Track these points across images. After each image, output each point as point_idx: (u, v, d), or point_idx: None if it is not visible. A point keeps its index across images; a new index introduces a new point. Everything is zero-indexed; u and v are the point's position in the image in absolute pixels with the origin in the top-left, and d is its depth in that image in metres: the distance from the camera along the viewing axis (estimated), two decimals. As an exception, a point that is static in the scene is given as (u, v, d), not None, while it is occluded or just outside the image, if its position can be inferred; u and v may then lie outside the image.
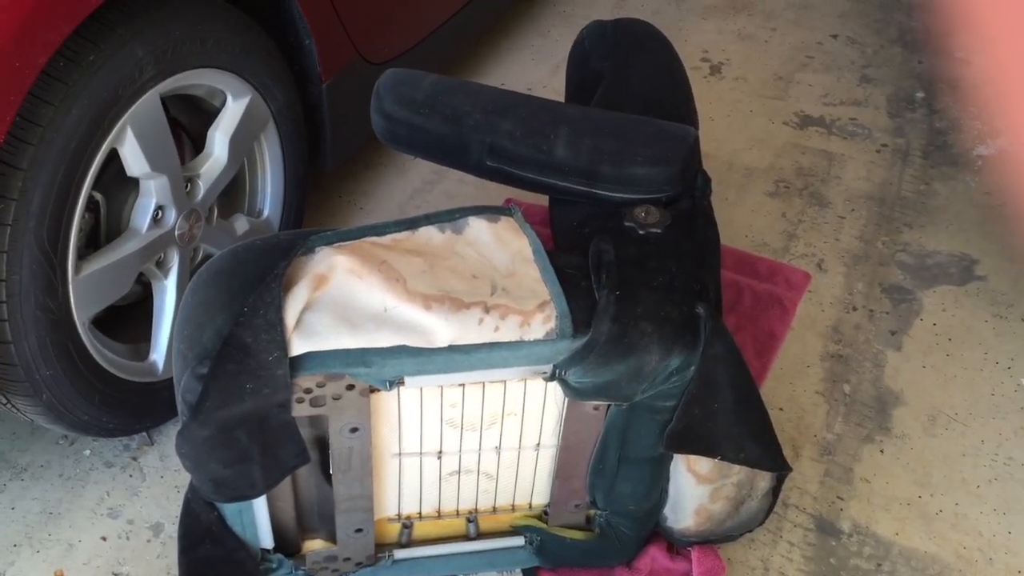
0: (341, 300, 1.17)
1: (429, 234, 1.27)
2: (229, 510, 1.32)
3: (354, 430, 1.26)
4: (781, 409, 1.81)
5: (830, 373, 1.90)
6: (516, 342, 1.19)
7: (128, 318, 1.69)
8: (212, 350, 1.14)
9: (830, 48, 2.97)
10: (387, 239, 1.25)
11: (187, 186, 1.60)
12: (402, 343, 1.17)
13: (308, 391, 1.19)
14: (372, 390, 1.23)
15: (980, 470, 1.71)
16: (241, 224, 1.76)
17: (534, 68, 2.82)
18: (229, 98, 1.64)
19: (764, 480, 1.48)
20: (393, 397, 1.27)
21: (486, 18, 2.60)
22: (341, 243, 1.23)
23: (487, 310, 1.18)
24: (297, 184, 1.87)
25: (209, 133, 1.64)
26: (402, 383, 1.22)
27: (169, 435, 1.74)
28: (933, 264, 2.16)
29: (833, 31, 3.06)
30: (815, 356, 1.93)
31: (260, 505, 1.33)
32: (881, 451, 1.75)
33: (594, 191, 1.35)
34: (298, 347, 1.14)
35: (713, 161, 2.45)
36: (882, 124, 2.61)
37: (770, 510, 1.51)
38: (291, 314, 1.14)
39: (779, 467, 1.40)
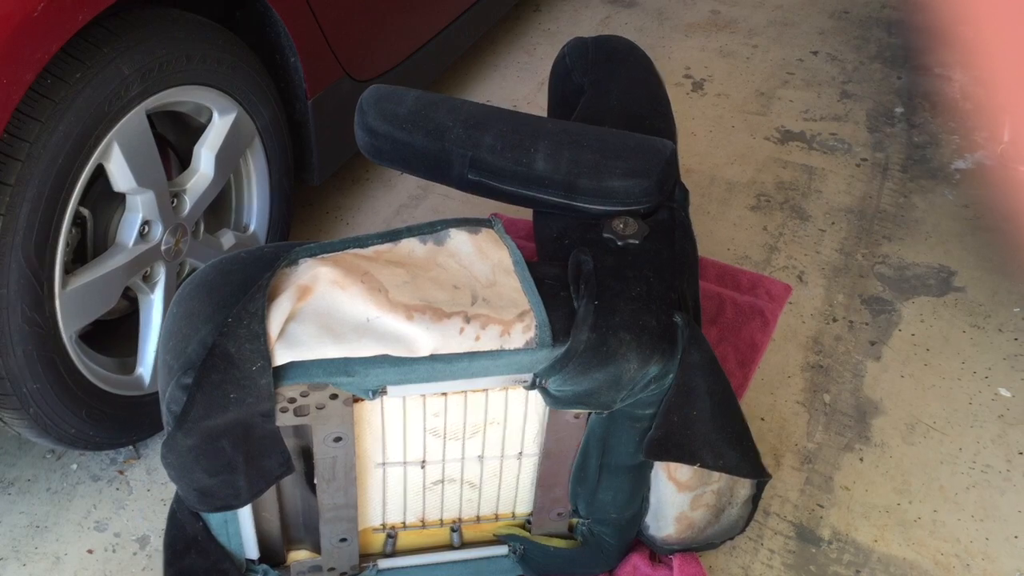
0: (324, 310, 1.19)
1: (411, 246, 1.29)
2: (214, 520, 1.33)
3: (338, 439, 1.27)
4: (763, 419, 1.83)
5: (810, 383, 1.92)
6: (496, 351, 1.21)
7: (113, 332, 1.71)
8: (197, 360, 1.15)
9: (811, 65, 3.01)
10: (369, 251, 1.27)
11: (174, 201, 1.62)
12: (384, 352, 1.19)
13: (292, 400, 1.21)
14: (355, 400, 1.25)
15: (958, 478, 1.74)
16: (227, 239, 1.78)
17: (520, 85, 2.85)
18: (215, 114, 1.67)
19: (744, 488, 1.50)
20: (376, 407, 1.29)
21: (471, 36, 2.64)
22: (324, 255, 1.25)
23: (468, 320, 1.20)
24: (283, 199, 1.89)
25: (195, 149, 1.66)
26: (385, 392, 1.24)
27: (155, 448, 1.75)
28: (912, 276, 2.19)
29: (814, 48, 3.10)
30: (796, 367, 1.96)
31: (245, 515, 1.34)
32: (861, 459, 1.77)
33: (573, 203, 1.37)
34: (282, 357, 1.16)
35: (695, 175, 2.48)
36: (862, 139, 2.65)
37: (750, 518, 1.53)
38: (275, 324, 1.16)
39: (758, 474, 1.42)
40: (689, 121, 2.70)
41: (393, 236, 1.30)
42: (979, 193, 2.44)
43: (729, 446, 1.38)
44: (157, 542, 1.60)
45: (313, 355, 1.17)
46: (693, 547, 1.54)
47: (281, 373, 1.18)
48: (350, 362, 1.19)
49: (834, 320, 2.07)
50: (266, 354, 1.15)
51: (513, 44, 3.08)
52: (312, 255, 1.25)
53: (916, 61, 2.99)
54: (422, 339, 1.19)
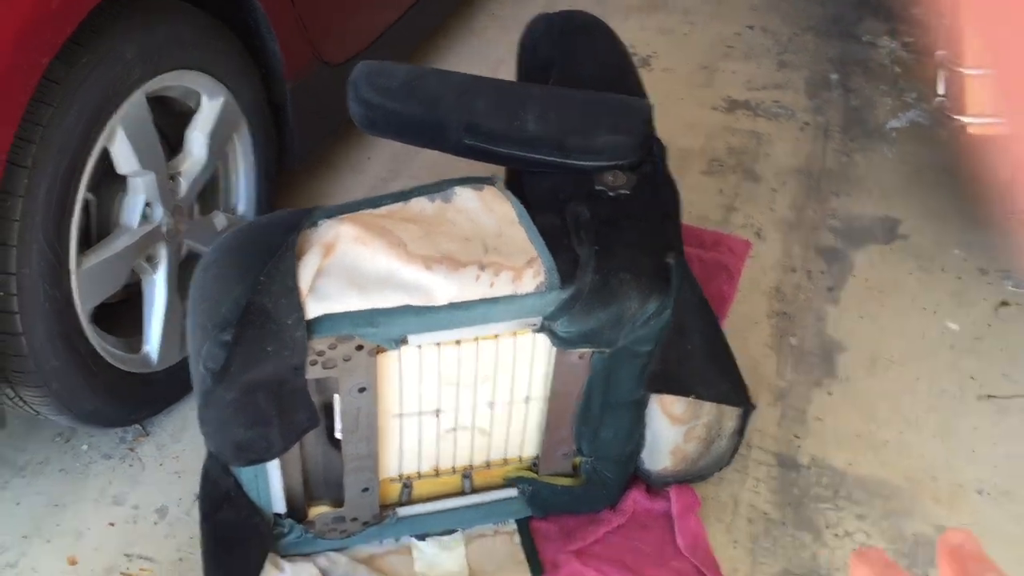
0: (349, 265, 1.27)
1: (421, 204, 1.38)
2: (245, 476, 1.40)
3: (362, 390, 1.36)
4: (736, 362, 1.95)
5: (777, 328, 2.06)
6: (510, 296, 1.31)
7: (113, 315, 1.75)
8: (233, 318, 1.22)
9: (747, 38, 3.16)
10: (383, 210, 1.36)
11: (170, 184, 1.68)
12: (407, 302, 1.27)
13: (320, 353, 1.29)
14: (379, 350, 1.33)
15: (918, 403, 1.89)
16: (220, 220, 1.83)
17: (474, 67, 2.94)
18: (204, 98, 1.73)
19: (731, 420, 1.62)
20: (395, 359, 1.37)
21: (430, 20, 2.72)
22: (342, 215, 1.33)
23: (482, 268, 1.30)
24: (269, 181, 1.96)
25: (187, 132, 1.72)
26: (406, 342, 1.32)
27: (162, 426, 1.80)
28: (860, 227, 2.34)
29: (748, 22, 3.26)
30: (762, 314, 2.09)
31: (274, 470, 1.42)
32: (829, 393, 1.91)
33: (565, 161, 1.47)
34: (313, 310, 1.24)
35: (651, 145, 2.60)
36: (803, 104, 2.81)
37: (736, 449, 1.65)
38: (305, 280, 1.24)
39: (746, 403, 1.54)
40: (640, 95, 2.82)
41: (403, 196, 1.38)
42: (914, 149, 2.61)
43: (720, 378, 1.50)
44: (176, 511, 1.65)
45: (342, 307, 1.25)
46: (686, 479, 1.65)
47: (312, 327, 1.25)
48: (375, 313, 1.27)
49: (793, 271, 2.21)
50: (300, 307, 1.22)
51: (463, 29, 3.16)
52: (330, 216, 1.32)
53: (845, 31, 3.17)
54: (441, 287, 1.28)
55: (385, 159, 2.54)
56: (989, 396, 1.89)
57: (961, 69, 1.93)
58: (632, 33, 3.16)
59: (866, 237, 2.31)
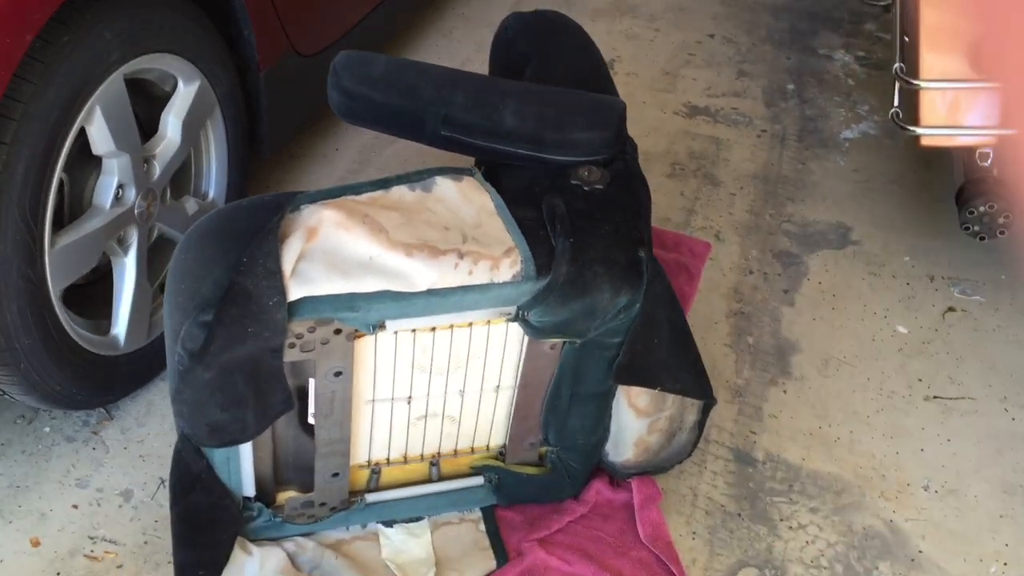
0: (331, 250, 1.29)
1: (401, 192, 1.40)
2: (217, 458, 1.41)
3: (338, 374, 1.37)
4: (696, 360, 2.01)
5: (735, 328, 2.12)
6: (487, 284, 1.34)
7: (81, 296, 1.74)
8: (213, 299, 1.23)
9: (708, 46, 3.23)
10: (364, 197, 1.38)
11: (144, 167, 1.67)
12: (387, 288, 1.30)
13: (299, 336, 1.30)
14: (356, 336, 1.35)
15: (868, 403, 1.96)
16: (191, 205, 1.83)
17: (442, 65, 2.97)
18: (180, 83, 1.73)
19: (692, 414, 1.67)
20: (370, 345, 1.39)
21: (402, 14, 2.74)
22: (324, 200, 1.35)
23: (461, 256, 1.32)
24: (240, 168, 1.96)
25: (162, 116, 1.72)
26: (383, 327, 1.34)
27: (127, 410, 1.79)
28: (814, 232, 2.42)
29: (709, 31, 3.33)
30: (721, 314, 2.15)
31: (246, 454, 1.43)
32: (784, 391, 1.97)
33: (541, 155, 1.51)
34: (295, 292, 1.25)
35: (615, 147, 2.65)
36: (760, 112, 2.88)
37: (697, 442, 1.70)
38: (288, 263, 1.26)
39: (709, 396, 1.59)
40: (604, 98, 2.87)
41: (383, 184, 1.41)
42: (866, 159, 2.70)
43: (685, 371, 1.55)
44: (141, 495, 1.65)
45: (323, 291, 1.27)
46: (648, 470, 1.70)
47: (292, 309, 1.27)
48: (355, 297, 1.29)
49: (750, 272, 2.27)
50: (282, 289, 1.24)
51: (431, 28, 3.18)
52: (313, 201, 1.34)
53: (802, 43, 3.25)
54: (421, 274, 1.30)
55: (353, 150, 2.55)
56: (936, 397, 1.97)
57: (915, 82, 2.01)
58: (598, 37, 3.19)
59: (820, 242, 2.39)
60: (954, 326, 2.14)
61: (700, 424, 1.68)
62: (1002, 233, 2.05)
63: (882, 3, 3.00)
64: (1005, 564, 1.65)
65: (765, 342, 2.09)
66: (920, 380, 2.01)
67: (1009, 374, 2.02)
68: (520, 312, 1.39)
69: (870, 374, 2.02)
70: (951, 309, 2.19)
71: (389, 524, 1.61)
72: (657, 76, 3.04)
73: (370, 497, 1.58)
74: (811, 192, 2.56)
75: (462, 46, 3.08)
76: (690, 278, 2.21)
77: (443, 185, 1.42)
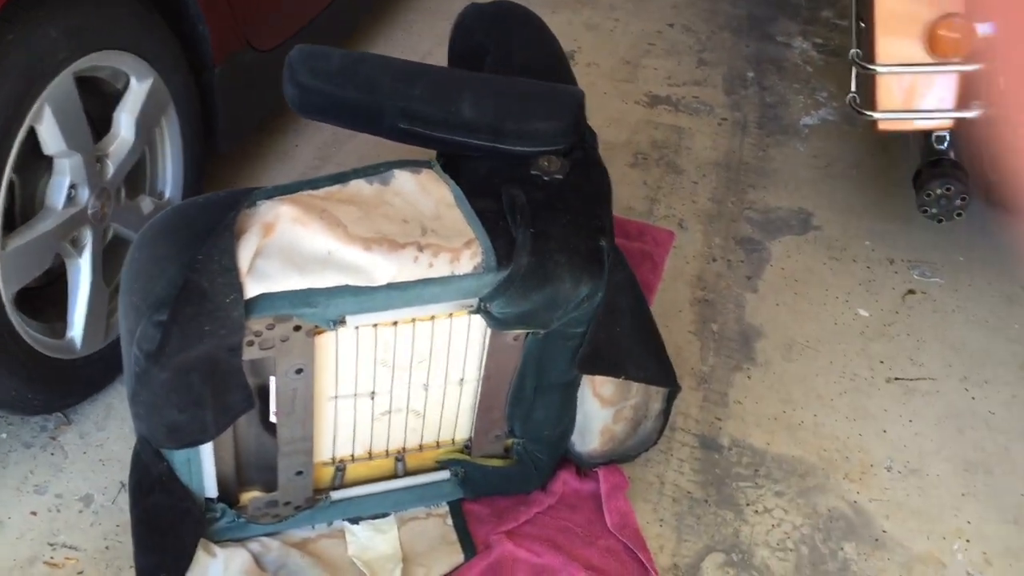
0: (288, 246, 1.27)
1: (359, 186, 1.39)
2: (178, 460, 1.39)
3: (299, 371, 1.36)
4: (661, 348, 2.01)
5: (699, 315, 2.12)
6: (448, 277, 1.33)
7: (35, 299, 1.71)
8: (168, 298, 1.21)
9: (668, 36, 3.24)
10: (322, 192, 1.36)
11: (97, 166, 1.64)
12: (346, 283, 1.28)
13: (258, 334, 1.29)
14: (317, 332, 1.34)
15: (831, 386, 1.97)
16: (146, 204, 1.80)
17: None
18: (133, 80, 1.70)
19: (657, 402, 1.67)
20: (331, 341, 1.38)
21: (360, 8, 2.72)
22: (281, 196, 1.33)
23: (421, 249, 1.31)
24: (196, 166, 1.93)
25: (115, 114, 1.69)
26: (343, 322, 1.33)
27: (86, 414, 1.76)
28: (776, 218, 2.43)
29: (669, 21, 3.34)
30: (685, 302, 2.16)
31: (207, 455, 1.41)
32: (749, 377, 1.98)
33: (500, 146, 1.50)
34: (252, 289, 1.24)
35: (576, 138, 2.65)
36: (721, 101, 2.89)
37: (662, 430, 1.70)
38: (244, 259, 1.24)
39: (673, 383, 1.59)
40: (565, 89, 2.87)
41: (341, 178, 1.39)
42: (825, 145, 2.72)
43: (648, 359, 1.55)
44: (102, 499, 1.62)
45: (280, 287, 1.25)
46: (614, 459, 1.70)
47: (250, 306, 1.25)
48: (314, 293, 1.28)
49: (714, 260, 2.28)
50: (238, 287, 1.22)
51: (389, 23, 3.16)
52: (269, 197, 1.32)
53: (761, 31, 3.27)
54: (380, 268, 1.29)
55: (313, 147, 2.53)
56: (897, 379, 1.99)
57: (872, 67, 2.02)
58: (559, 28, 3.20)
59: (782, 228, 2.40)
60: (914, 308, 2.17)
61: (665, 412, 1.68)
62: (959, 215, 2.08)
63: (839, -10, 3.03)
64: (968, 541, 1.67)
65: (729, 328, 2.10)
66: (882, 362, 2.03)
67: (968, 354, 2.05)
68: (482, 304, 1.39)
69: (832, 357, 2.04)
70: (911, 291, 2.21)
71: (355, 521, 1.60)
72: (618, 66, 3.04)
73: (335, 495, 1.57)
74: (772, 179, 2.58)
75: (423, 40, 3.06)
76: (654, 267, 2.21)
77: (401, 178, 1.41)
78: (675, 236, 2.33)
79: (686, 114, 2.82)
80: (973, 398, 1.95)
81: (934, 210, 2.08)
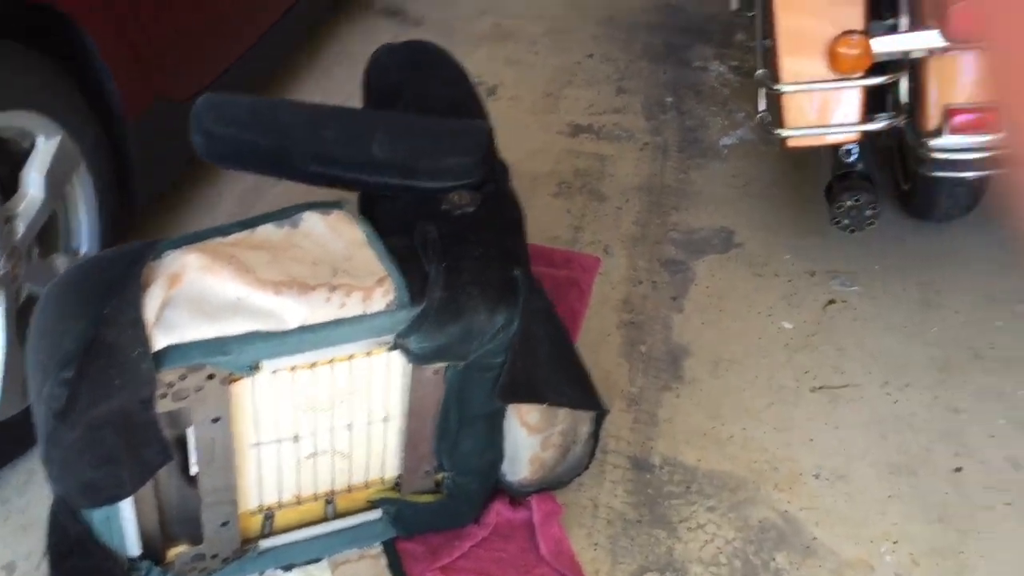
0: (196, 295, 1.27)
1: (268, 231, 1.39)
2: (97, 519, 1.37)
3: (216, 420, 1.35)
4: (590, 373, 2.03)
5: (627, 338, 2.15)
6: (361, 316, 1.34)
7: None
8: (74, 354, 1.20)
9: (588, 66, 3.30)
10: (230, 239, 1.36)
11: (6, 226, 1.63)
12: (256, 328, 1.28)
13: (171, 385, 1.28)
14: (232, 379, 1.33)
15: (758, 399, 2.01)
16: (61, 262, 1.79)
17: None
18: (40, 138, 1.69)
19: (585, 425, 1.68)
20: (248, 387, 1.38)
21: (278, 52, 2.74)
22: (188, 245, 1.33)
23: (332, 289, 1.32)
24: (112, 221, 1.92)
25: (23, 173, 1.68)
26: (259, 368, 1.33)
27: (6, 479, 1.73)
28: (699, 238, 2.48)
29: (588, 52, 3.40)
30: (613, 326, 2.18)
31: (128, 512, 1.39)
32: (677, 396, 2.01)
33: (412, 183, 1.52)
34: (160, 341, 1.23)
35: (500, 171, 2.68)
36: (641, 127, 2.95)
37: (593, 454, 1.72)
38: (150, 311, 1.23)
39: (597, 406, 1.61)
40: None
41: (250, 224, 1.40)
42: (744, 164, 2.78)
43: (569, 384, 1.57)
44: (25, 566, 1.59)
45: (190, 337, 1.25)
46: (546, 486, 1.71)
47: (160, 358, 1.25)
48: (225, 340, 1.27)
49: (640, 283, 2.32)
50: (145, 340, 1.22)
51: (310, 68, 3.18)
52: (176, 247, 1.32)
53: (677, 57, 3.35)
54: (292, 311, 1.29)
55: (236, 196, 2.52)
56: (821, 388, 2.03)
57: (776, 87, 2.08)
58: (481, 63, 3.26)
59: (705, 248, 2.45)
60: (835, 317, 2.22)
61: (594, 435, 1.70)
62: (870, 224, 2.14)
63: (750, 14, 3.11)
64: (895, 543, 1.71)
65: (657, 349, 2.13)
66: (806, 372, 2.07)
67: (888, 359, 2.10)
68: (398, 340, 1.39)
69: (758, 371, 2.08)
70: (832, 301, 2.26)
71: (288, 568, 1.58)
72: (539, 99, 3.09)
73: (264, 543, 1.55)
74: (694, 200, 2.63)
75: (344, 85, 3.08)
76: (581, 294, 2.24)
77: (310, 220, 1.42)
78: (601, 262, 2.36)
79: (608, 142, 2.87)
80: (896, 402, 2.00)
81: (846, 221, 2.14)
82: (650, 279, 2.33)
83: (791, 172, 2.73)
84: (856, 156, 2.19)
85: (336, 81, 3.12)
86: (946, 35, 1.90)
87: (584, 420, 1.67)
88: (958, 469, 1.84)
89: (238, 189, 2.53)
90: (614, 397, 1.98)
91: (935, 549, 1.69)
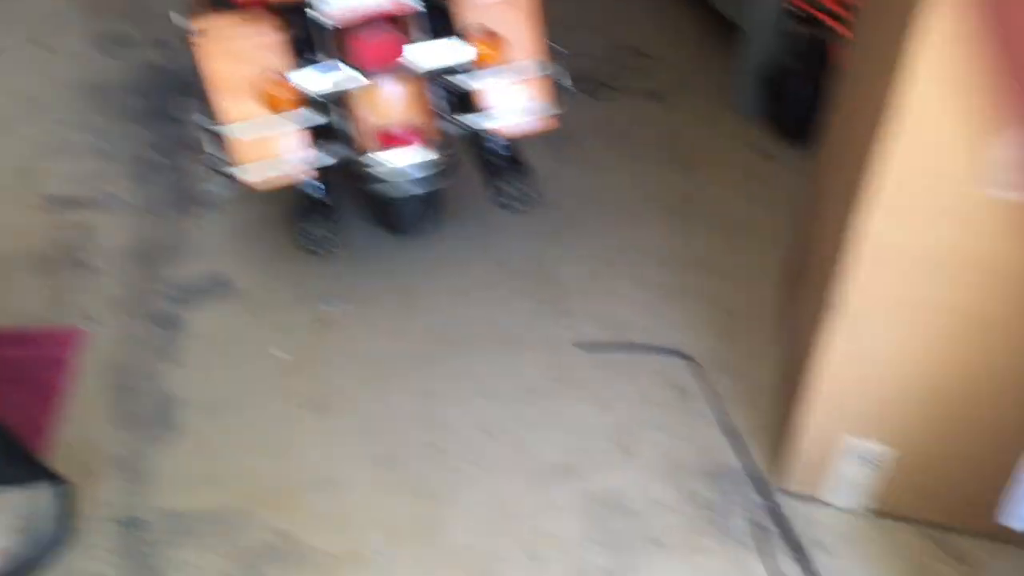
0: None
1: None
2: None
3: None
4: (71, 446, 1.96)
5: (116, 401, 2.11)
6: None
7: None
8: None
9: (64, 135, 3.16)
10: None
11: None
12: None
13: None
14: None
15: (255, 432, 2.07)
16: None
17: None
18: None
19: (44, 507, 1.62)
20: None
21: None
22: None
23: None
24: None
25: None
26: None
27: None
28: (195, 289, 2.49)
29: (65, 119, 3.26)
30: (99, 393, 2.13)
31: None
32: (171, 447, 2.01)
33: None
34: None
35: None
36: (129, 188, 2.89)
37: (67, 527, 1.66)
38: None
39: (54, 480, 1.56)
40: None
41: None
42: (234, 208, 2.83)
43: (17, 469, 1.50)
44: None
45: None
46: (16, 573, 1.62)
47: None
48: None
49: (131, 344, 2.27)
50: None
51: None
52: None
53: (159, 113, 3.32)
54: None
55: None
56: (315, 406, 2.14)
57: (217, 128, 2.16)
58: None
59: (200, 296, 2.46)
60: (325, 336, 2.34)
61: (64, 508, 1.64)
62: (334, 247, 2.29)
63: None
64: (382, 527, 1.85)
65: (149, 407, 2.11)
66: (300, 394, 2.17)
67: (374, 363, 2.26)
68: None
69: (255, 406, 2.14)
70: (321, 322, 2.39)
71: None
72: (9, 175, 2.91)
73: None
74: (190, 252, 2.63)
75: None
76: (61, 369, 2.15)
77: None
78: (84, 332, 2.29)
79: (92, 210, 2.78)
80: (379, 400, 2.15)
81: (311, 247, 2.28)
82: (141, 339, 2.30)
83: (276, 206, 2.83)
84: (317, 185, 2.34)
85: None
86: (360, 68, 2.11)
87: (44, 499, 1.61)
88: (431, 444, 2.03)
89: None
90: (103, 464, 1.94)
91: (416, 521, 1.86)
